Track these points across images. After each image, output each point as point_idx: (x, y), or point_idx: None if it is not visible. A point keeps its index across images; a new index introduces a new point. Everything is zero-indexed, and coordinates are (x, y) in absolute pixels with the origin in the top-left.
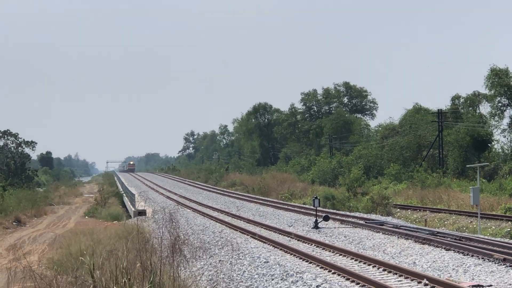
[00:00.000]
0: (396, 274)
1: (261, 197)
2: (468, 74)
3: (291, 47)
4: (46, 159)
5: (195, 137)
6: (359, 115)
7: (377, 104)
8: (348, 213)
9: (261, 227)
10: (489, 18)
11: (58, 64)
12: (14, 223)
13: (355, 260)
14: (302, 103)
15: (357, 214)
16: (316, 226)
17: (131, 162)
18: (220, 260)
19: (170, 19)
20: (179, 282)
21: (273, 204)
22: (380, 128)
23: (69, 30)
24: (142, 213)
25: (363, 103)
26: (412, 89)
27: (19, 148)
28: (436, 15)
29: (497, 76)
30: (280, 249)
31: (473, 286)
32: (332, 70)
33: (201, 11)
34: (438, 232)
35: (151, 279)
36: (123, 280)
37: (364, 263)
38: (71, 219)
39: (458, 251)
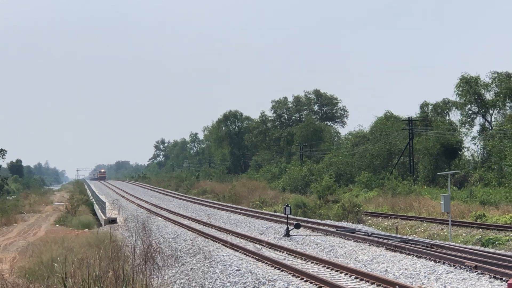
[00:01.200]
0: (368, 281)
1: (232, 205)
2: (438, 82)
3: (261, 55)
4: (16, 167)
5: (166, 145)
6: (329, 123)
7: (347, 112)
8: (319, 221)
9: (233, 235)
10: (460, 27)
11: (27, 71)
12: None
13: (327, 268)
14: (272, 111)
15: (328, 221)
16: (287, 234)
17: (102, 170)
18: (192, 268)
19: (141, 25)
20: None
21: (244, 212)
22: (351, 136)
23: (36, 35)
24: (113, 221)
25: (334, 111)
26: (383, 97)
27: None
28: (406, 23)
29: (467, 84)
30: (252, 257)
31: None
32: (303, 78)
33: (172, 19)
34: (409, 240)
35: (124, 287)
36: None
37: (336, 271)
38: (42, 227)
39: (429, 259)
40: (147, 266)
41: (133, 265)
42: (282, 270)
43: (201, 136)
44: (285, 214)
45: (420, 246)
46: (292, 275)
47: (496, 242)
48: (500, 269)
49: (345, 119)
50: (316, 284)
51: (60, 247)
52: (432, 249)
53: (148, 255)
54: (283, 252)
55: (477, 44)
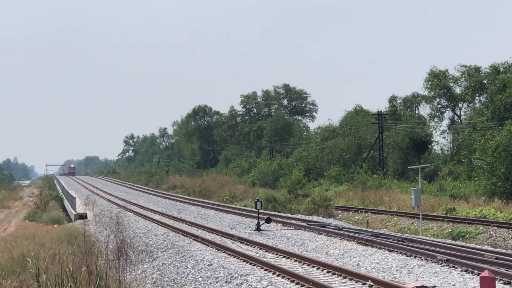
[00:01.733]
0: (340, 275)
1: (202, 200)
2: (407, 75)
3: (231, 49)
4: None
5: (135, 140)
6: (299, 117)
7: (316, 106)
8: (290, 215)
9: (203, 230)
10: (428, 20)
11: None
12: None
13: (299, 262)
14: (242, 106)
15: (298, 216)
16: (258, 229)
17: (72, 165)
18: (163, 263)
19: (112, 17)
20: (125, 285)
21: (214, 207)
22: (320, 130)
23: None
24: (83, 216)
25: (303, 105)
26: (352, 90)
27: None
28: (375, 16)
29: (436, 78)
30: (223, 252)
31: (417, 287)
32: (272, 73)
33: (144, 11)
34: (380, 234)
35: (97, 282)
36: (69, 284)
37: (308, 265)
38: (12, 223)
39: (401, 252)
40: (120, 261)
41: (107, 260)
42: (254, 265)
43: (170, 131)
44: (255, 208)
45: (391, 240)
46: (264, 270)
47: (467, 236)
48: (472, 263)
49: (314, 114)
50: (289, 279)
51: (30, 242)
52: (403, 243)
53: (122, 250)
54: (254, 247)
55: (446, 37)
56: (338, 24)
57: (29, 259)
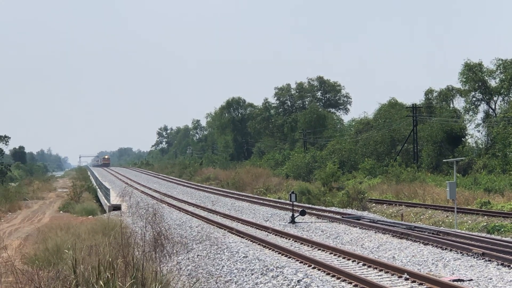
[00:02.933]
0: (376, 268)
1: (236, 192)
2: (443, 68)
3: (265, 41)
4: (19, 154)
5: (168, 131)
6: (332, 110)
7: (350, 99)
8: (324, 208)
9: (238, 222)
10: (465, 13)
11: (32, 58)
12: None
13: (334, 255)
14: (275, 98)
15: (333, 208)
16: (293, 221)
17: (106, 157)
18: (198, 255)
19: (145, 11)
20: (161, 277)
21: (248, 199)
22: (354, 123)
23: (38, 20)
24: (117, 207)
25: (337, 98)
26: (386, 83)
27: None
28: (411, 8)
29: (471, 71)
30: (258, 244)
31: (453, 280)
32: (306, 65)
33: (176, 6)
34: (415, 227)
35: (134, 274)
36: (106, 275)
37: (344, 258)
38: (46, 213)
39: (436, 246)
40: (156, 253)
41: (143, 252)
42: (289, 257)
43: (203, 123)
44: (290, 201)
45: (426, 233)
46: (300, 262)
47: (502, 229)
48: (508, 256)
49: (348, 106)
50: (324, 271)
51: (65, 233)
52: (439, 236)
53: (158, 242)
54: (289, 239)
55: (483, 31)
56: (373, 15)
57: (66, 250)
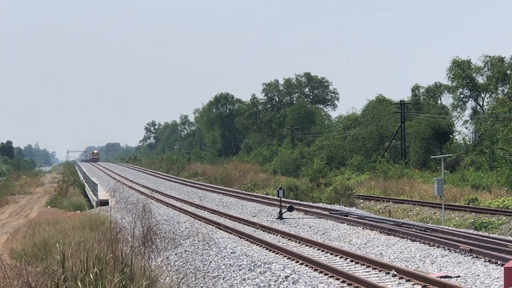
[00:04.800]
0: (363, 265)
1: (223, 187)
2: (429, 65)
3: (253, 37)
4: (7, 149)
5: (156, 127)
6: (320, 106)
7: (338, 95)
8: (311, 204)
9: (226, 218)
10: (453, 9)
11: (19, 53)
12: None
13: (322, 251)
14: (263, 94)
15: (320, 204)
16: (280, 217)
17: (95, 151)
18: (186, 251)
19: (132, 8)
20: (149, 273)
21: (236, 195)
22: (342, 119)
23: (26, 14)
24: (105, 203)
25: (324, 94)
26: (373, 79)
27: None
28: (399, 4)
29: (459, 68)
30: (246, 240)
31: (441, 277)
32: (294, 61)
33: (163, 1)
34: (402, 223)
35: (123, 269)
36: (95, 271)
37: (331, 254)
38: (34, 208)
39: (424, 242)
40: (145, 248)
41: (132, 247)
42: (277, 253)
43: (191, 118)
44: (278, 197)
45: (413, 230)
46: (287, 258)
47: (489, 226)
48: (495, 253)
49: (336, 102)
50: (312, 267)
51: (52, 228)
52: (426, 233)
53: (147, 237)
54: (277, 235)
55: (470, 28)
56: (360, 13)
57: (57, 245)
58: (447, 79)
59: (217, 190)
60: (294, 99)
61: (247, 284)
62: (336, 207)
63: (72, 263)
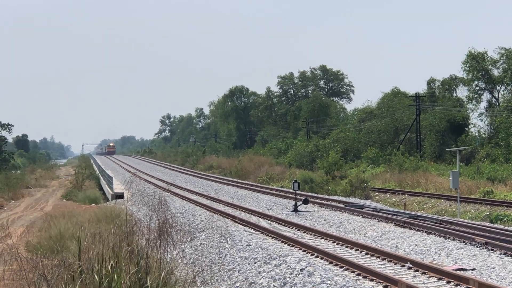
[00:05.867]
0: (379, 257)
1: (238, 180)
2: (445, 58)
3: (267, 29)
4: (22, 142)
5: (171, 120)
6: (335, 99)
7: (353, 87)
8: (327, 197)
9: (241, 210)
10: (468, 2)
11: (33, 46)
12: None
13: (337, 244)
14: (278, 87)
15: (336, 197)
16: (295, 210)
17: (111, 144)
18: (201, 243)
19: (149, 2)
20: (165, 265)
21: (251, 187)
22: (357, 111)
23: (42, 7)
24: (120, 196)
25: (340, 86)
26: (389, 72)
27: None
28: None
29: (474, 60)
30: (261, 232)
31: (456, 269)
32: (309, 54)
33: None
34: (418, 216)
35: (139, 262)
36: (111, 263)
37: (346, 247)
38: (49, 201)
39: (439, 235)
40: (161, 241)
41: (148, 240)
42: (292, 246)
43: (207, 111)
44: (293, 189)
45: (429, 222)
46: (303, 251)
47: (505, 219)
48: (511, 246)
49: (351, 95)
50: (327, 260)
51: (68, 221)
52: (441, 225)
53: (163, 230)
54: (292, 228)
55: (485, 20)
56: (375, 4)
57: (74, 237)
58: (462, 71)
59: (232, 183)
60: (309, 92)
61: (263, 276)
62: (351, 199)
63: (88, 256)
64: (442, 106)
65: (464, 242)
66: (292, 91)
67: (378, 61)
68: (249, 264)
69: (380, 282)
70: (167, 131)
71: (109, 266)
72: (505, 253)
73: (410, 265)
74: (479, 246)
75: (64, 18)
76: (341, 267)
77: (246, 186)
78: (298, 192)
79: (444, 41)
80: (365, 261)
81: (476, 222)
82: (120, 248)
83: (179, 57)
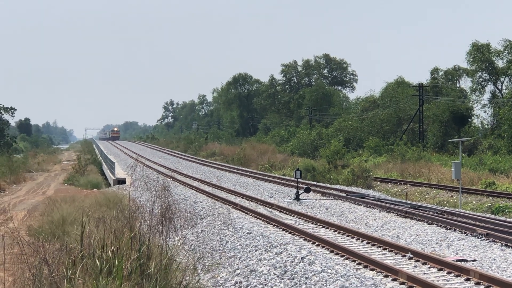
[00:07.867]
0: (380, 247)
1: (240, 168)
2: (449, 48)
3: (272, 17)
4: (24, 126)
5: (175, 106)
6: (338, 87)
7: (356, 76)
8: (328, 185)
9: (242, 198)
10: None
11: (38, 30)
12: None
13: (338, 233)
14: (282, 75)
15: (337, 186)
16: (297, 198)
17: (115, 129)
18: (202, 230)
19: None
20: (166, 251)
21: (253, 175)
22: (360, 101)
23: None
24: (121, 181)
25: (343, 75)
26: (392, 61)
27: None
28: None
29: (478, 51)
30: (262, 220)
31: (457, 260)
32: (313, 42)
33: None
34: (419, 206)
35: (141, 248)
36: (112, 248)
37: (347, 236)
38: (51, 186)
39: (440, 225)
40: (163, 227)
41: (150, 226)
42: (293, 234)
43: (210, 98)
44: (295, 178)
45: (430, 213)
46: (304, 239)
47: (506, 210)
48: None
49: (354, 84)
50: (328, 249)
51: (70, 206)
52: (443, 216)
53: (166, 216)
54: (293, 216)
55: (490, 11)
56: None
57: (77, 222)
58: (466, 62)
59: (234, 170)
60: (313, 80)
61: (263, 264)
62: (353, 189)
63: (90, 241)
64: (446, 96)
65: (465, 233)
66: (295, 79)
67: (382, 51)
68: (250, 251)
69: (381, 272)
70: (170, 117)
71: (110, 252)
72: (506, 245)
73: (411, 255)
74: (480, 238)
75: (68, 3)
76: (342, 256)
77: (248, 173)
78: (300, 180)
79: (448, 31)
80: (366, 250)
81: (478, 213)
82: (122, 234)
83: (184, 43)
